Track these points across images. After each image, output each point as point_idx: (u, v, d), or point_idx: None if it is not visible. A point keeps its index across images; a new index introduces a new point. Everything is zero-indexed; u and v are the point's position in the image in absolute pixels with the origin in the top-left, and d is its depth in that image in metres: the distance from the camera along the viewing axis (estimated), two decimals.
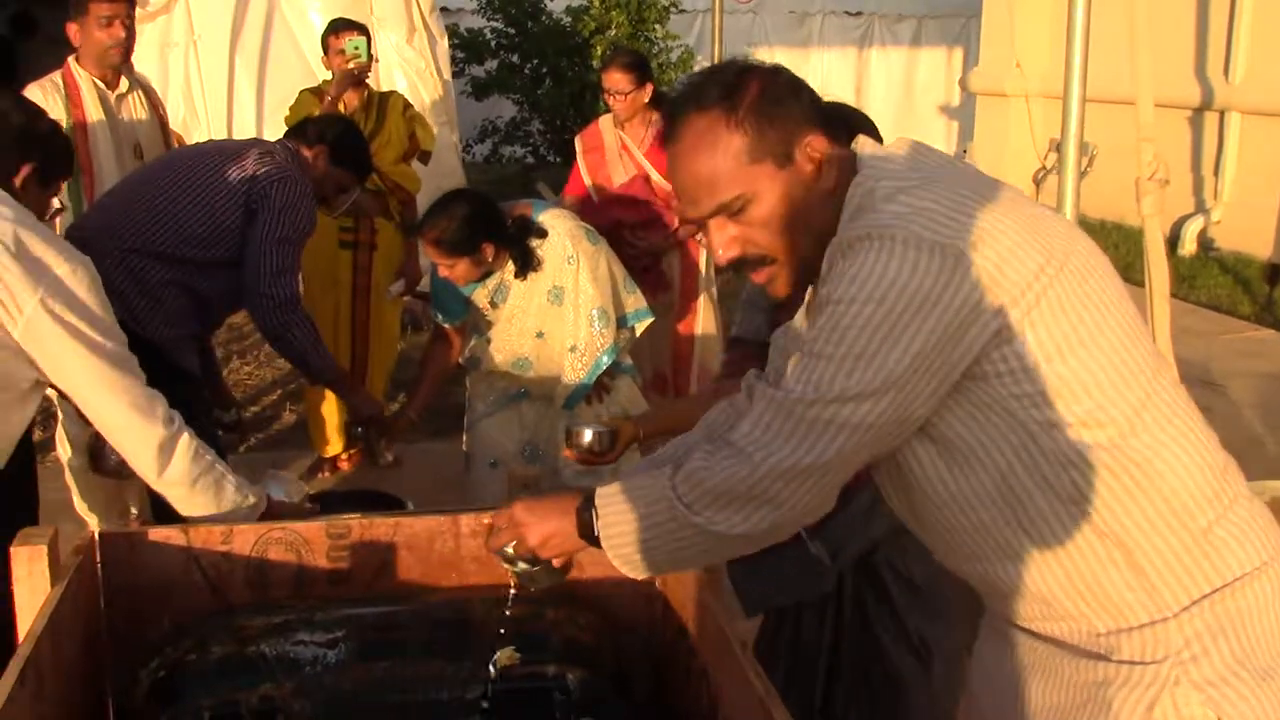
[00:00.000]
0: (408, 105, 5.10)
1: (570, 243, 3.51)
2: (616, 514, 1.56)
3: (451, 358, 3.81)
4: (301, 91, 4.94)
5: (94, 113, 4.03)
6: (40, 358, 2.23)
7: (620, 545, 1.56)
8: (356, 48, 4.67)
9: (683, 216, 1.62)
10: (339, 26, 4.80)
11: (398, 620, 1.99)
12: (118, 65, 4.06)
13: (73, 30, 4.01)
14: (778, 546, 2.28)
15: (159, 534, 2.09)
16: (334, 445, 5.00)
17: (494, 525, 1.76)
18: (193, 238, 3.23)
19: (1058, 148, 10.25)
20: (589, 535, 1.60)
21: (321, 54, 4.90)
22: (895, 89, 16.06)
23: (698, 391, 2.72)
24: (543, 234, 3.51)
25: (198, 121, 6.93)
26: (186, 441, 2.33)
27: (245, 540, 2.11)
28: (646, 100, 4.74)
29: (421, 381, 3.82)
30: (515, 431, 3.70)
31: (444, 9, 13.01)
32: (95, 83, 4.04)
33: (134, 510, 3.81)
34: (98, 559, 2.03)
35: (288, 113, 4.93)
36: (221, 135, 6.86)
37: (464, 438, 3.85)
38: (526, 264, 3.47)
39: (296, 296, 3.34)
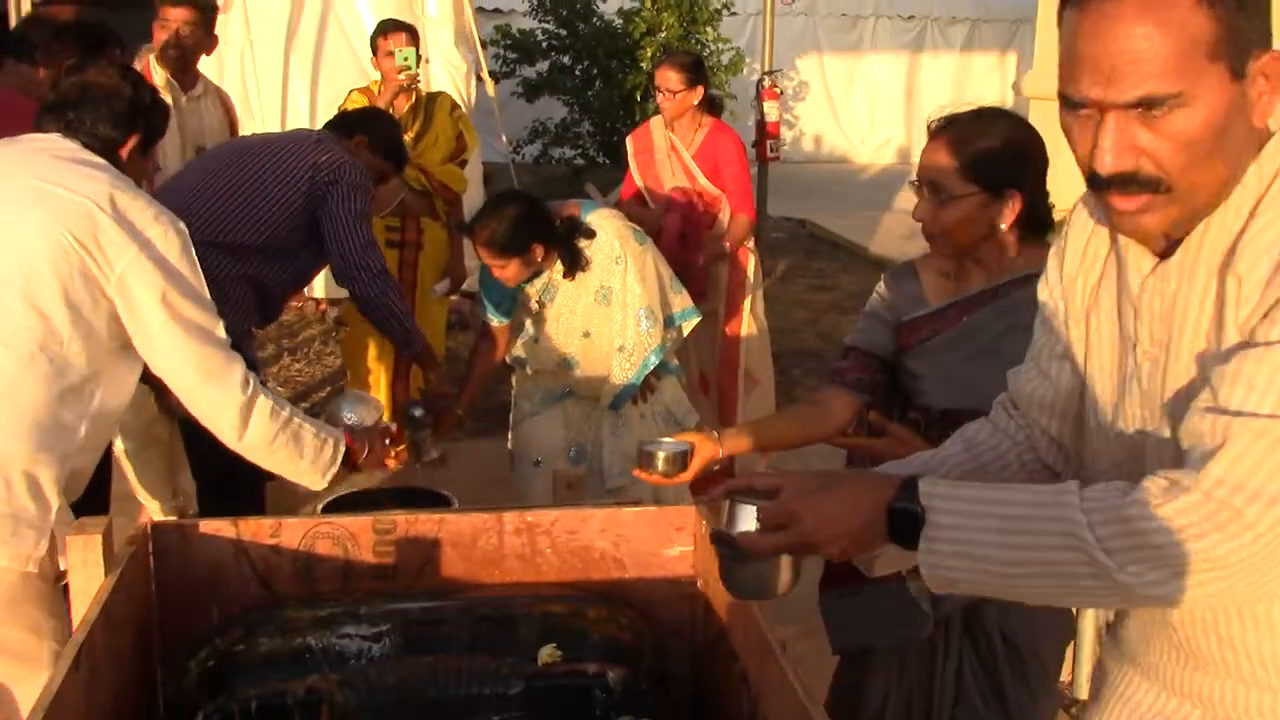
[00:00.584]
0: (455, 106, 5.14)
1: (618, 243, 3.54)
2: (963, 527, 1.32)
3: (498, 356, 3.84)
4: (351, 91, 5.00)
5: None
6: (126, 317, 2.29)
7: (958, 564, 1.33)
8: (406, 59, 4.70)
9: (1077, 93, 1.26)
10: (388, 28, 4.84)
11: (441, 615, 2.00)
12: (174, 67, 4.16)
13: (155, 28, 4.18)
14: (878, 579, 2.29)
15: (210, 526, 2.13)
16: None
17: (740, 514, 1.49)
18: (258, 225, 3.31)
19: None
20: (902, 535, 1.37)
21: (371, 54, 4.94)
22: (947, 93, 15.94)
23: (790, 408, 2.66)
24: (591, 234, 3.53)
25: (252, 120, 7.00)
26: (263, 404, 2.40)
27: (293, 534, 2.14)
28: (697, 102, 4.73)
29: (468, 380, 3.85)
30: (560, 430, 3.73)
31: (496, 10, 13.15)
32: (171, 82, 4.17)
33: (184, 496, 3.89)
34: (150, 549, 2.07)
35: (338, 112, 4.98)
36: (275, 130, 6.94)
37: (509, 436, 3.88)
38: (575, 264, 3.50)
39: (385, 268, 3.47)
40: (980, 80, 15.89)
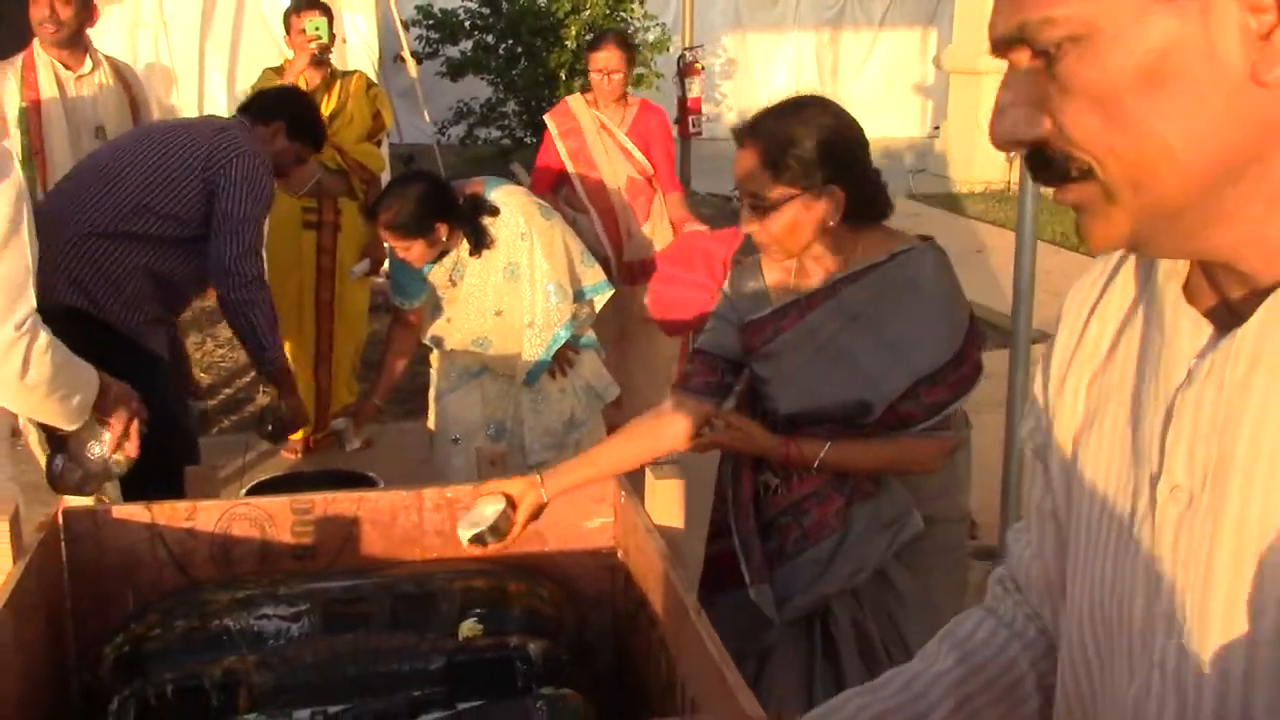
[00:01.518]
0: (371, 84, 5.10)
1: (523, 218, 3.54)
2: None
3: (413, 341, 3.83)
4: (264, 70, 4.95)
5: (49, 93, 4.05)
6: None
7: None
8: (317, 28, 4.67)
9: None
10: (301, 6, 4.80)
11: (361, 594, 2.00)
12: (54, 44, 4.07)
13: (30, 7, 4.02)
14: (723, 586, 2.32)
15: (123, 511, 2.10)
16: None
17: None
18: (153, 214, 3.23)
19: None
20: None
21: (285, 34, 4.88)
22: (869, 68, 16.08)
23: (631, 425, 2.39)
24: (495, 211, 3.53)
25: (168, 103, 6.90)
26: (44, 341, 2.28)
27: (209, 517, 2.12)
28: (629, 84, 4.73)
29: (383, 367, 3.83)
30: (478, 408, 3.72)
31: None
32: (54, 64, 4.07)
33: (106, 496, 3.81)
34: (61, 536, 2.04)
35: (250, 91, 4.92)
36: (192, 114, 6.83)
37: (428, 415, 3.87)
38: (480, 241, 3.49)
39: (262, 276, 3.36)
40: (902, 55, 16.02)
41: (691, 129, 7.08)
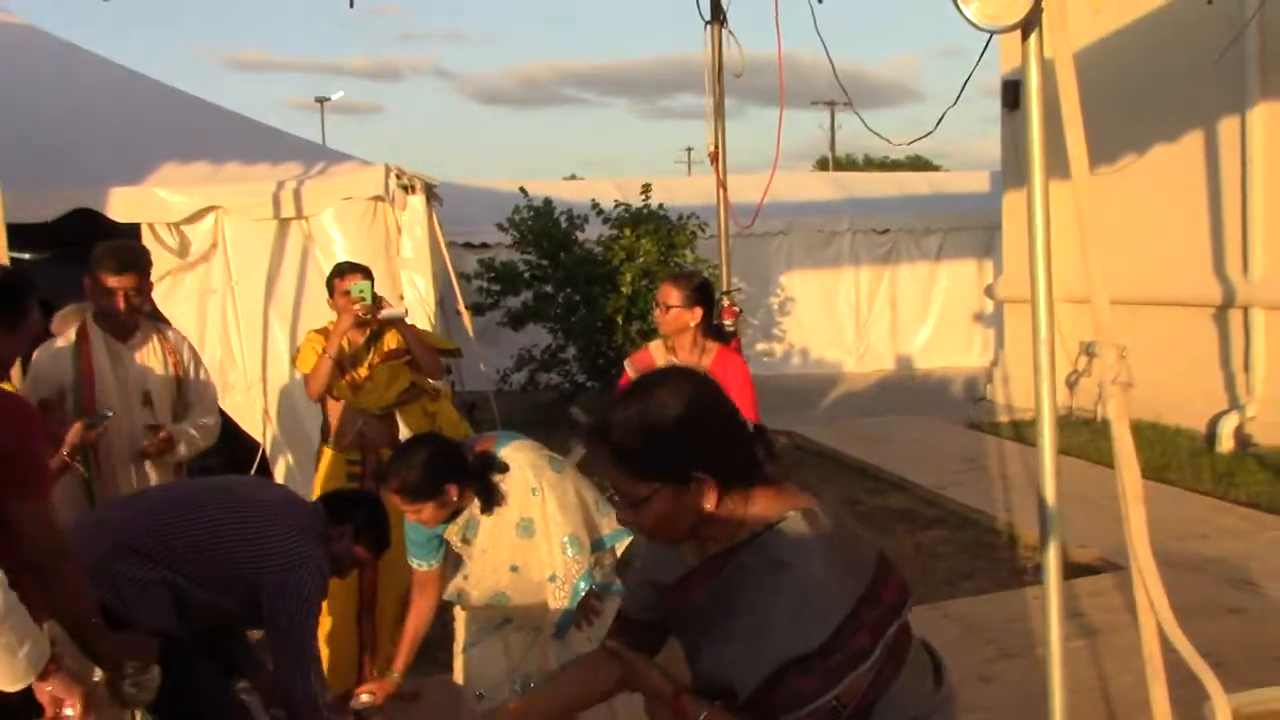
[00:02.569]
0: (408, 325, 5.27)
1: (532, 474, 3.57)
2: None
3: (432, 602, 3.80)
4: (309, 332, 5.13)
5: (103, 363, 4.28)
6: None
7: None
8: (361, 290, 4.81)
9: None
10: (344, 270, 5.00)
11: None
12: (122, 327, 4.34)
13: (87, 284, 4.25)
14: None
15: None
16: (344, 681, 4.96)
17: None
18: (196, 567, 3.44)
19: (1088, 350, 10.38)
20: None
21: (327, 296, 5.08)
22: (926, 300, 16.33)
23: (567, 669, 2.47)
24: (504, 468, 3.56)
25: (234, 362, 7.18)
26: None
27: None
28: (694, 323, 4.65)
29: (406, 637, 3.80)
30: (502, 660, 3.69)
31: (484, 244, 13.61)
32: (106, 338, 4.31)
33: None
34: None
35: (297, 354, 5.14)
36: (256, 373, 7.10)
37: (453, 669, 3.84)
38: (490, 500, 3.53)
39: (314, 656, 3.60)
40: (956, 286, 16.27)
41: None
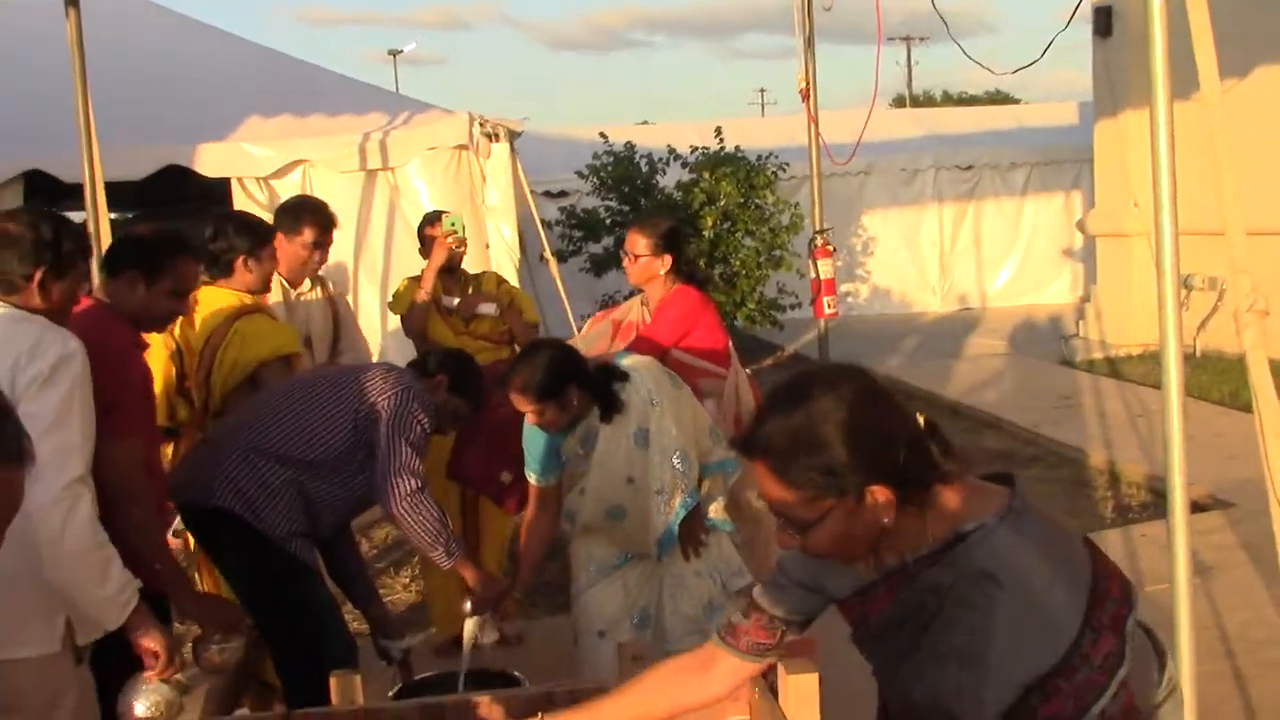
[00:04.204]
0: (502, 280, 5.28)
1: (653, 385, 3.57)
2: None
3: (550, 524, 3.82)
4: (404, 280, 5.15)
5: (278, 304, 4.51)
6: None
7: None
8: (453, 223, 4.87)
9: None
10: (434, 217, 5.04)
11: None
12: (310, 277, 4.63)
13: (279, 238, 4.43)
14: None
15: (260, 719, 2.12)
16: (450, 625, 5.00)
17: None
18: (306, 440, 3.48)
19: (1186, 283, 10.10)
20: None
21: (418, 245, 5.10)
22: (1014, 237, 16.01)
23: (659, 668, 2.12)
24: (625, 377, 3.56)
25: None
26: (87, 511, 2.58)
27: None
28: (664, 270, 4.42)
29: (524, 556, 3.83)
30: (620, 598, 3.69)
31: (562, 192, 13.55)
32: (281, 281, 4.52)
33: None
34: None
35: (392, 300, 5.17)
36: None
37: (571, 611, 3.84)
38: (610, 406, 3.53)
39: (420, 490, 3.45)
40: (1045, 221, 15.92)
41: (827, 309, 7.08)
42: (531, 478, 3.78)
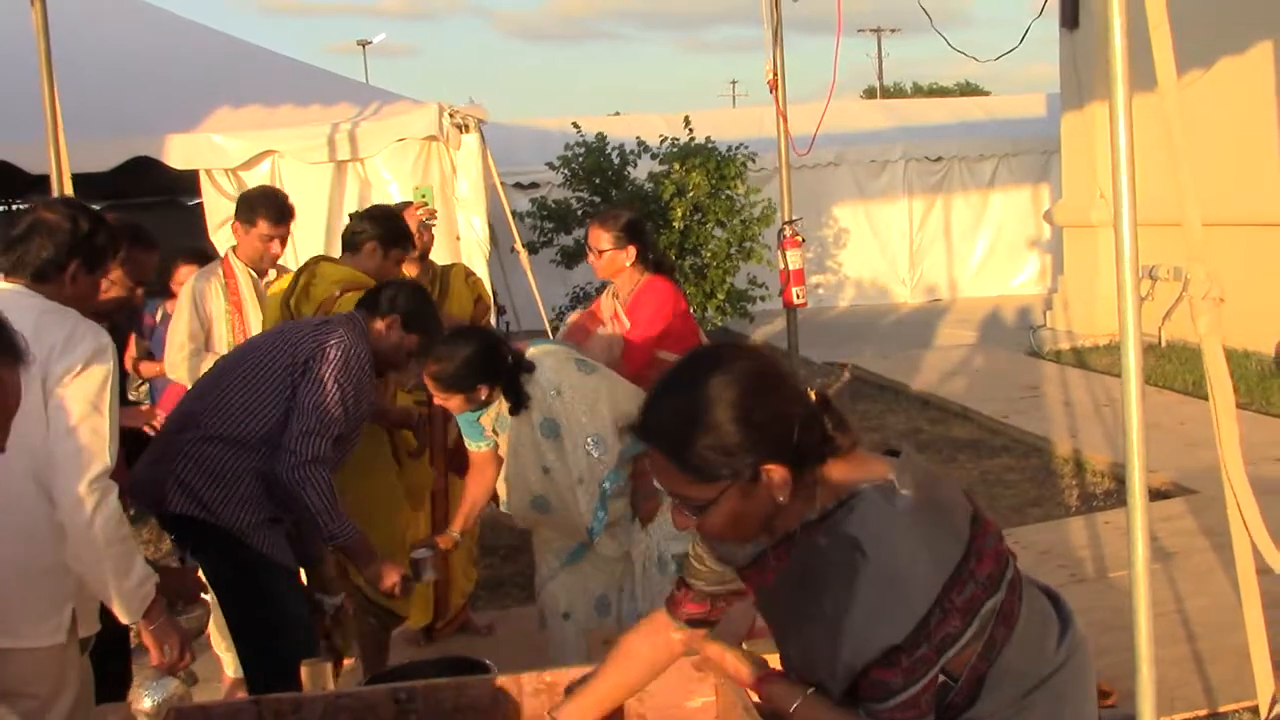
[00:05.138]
0: (469, 273, 5.27)
1: (554, 375, 3.62)
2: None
3: (488, 480, 3.88)
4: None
5: (248, 298, 4.71)
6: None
7: None
8: (424, 195, 4.98)
9: None
10: (403, 207, 5.02)
11: None
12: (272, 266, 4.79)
13: (236, 228, 4.75)
14: None
15: (231, 707, 2.14)
16: (421, 616, 5.02)
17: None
18: (256, 415, 3.39)
19: (1151, 274, 10.19)
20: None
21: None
22: (982, 229, 16.12)
23: (623, 647, 2.17)
24: (530, 368, 3.62)
25: None
26: (114, 507, 2.61)
27: (314, 710, 2.14)
28: (630, 262, 4.45)
29: (462, 503, 3.93)
30: (581, 585, 3.74)
31: (533, 184, 13.55)
32: (249, 273, 4.73)
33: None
34: None
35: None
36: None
37: (538, 598, 3.89)
38: (519, 402, 3.61)
39: (319, 458, 3.36)
40: (1013, 212, 16.04)
41: (796, 299, 7.12)
42: (468, 444, 3.87)
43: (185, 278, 6.50)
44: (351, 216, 4.52)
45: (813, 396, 1.80)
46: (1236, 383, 8.47)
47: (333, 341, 3.44)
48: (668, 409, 1.77)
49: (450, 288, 5.03)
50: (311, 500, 3.34)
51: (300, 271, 4.41)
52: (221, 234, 6.81)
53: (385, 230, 4.35)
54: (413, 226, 4.82)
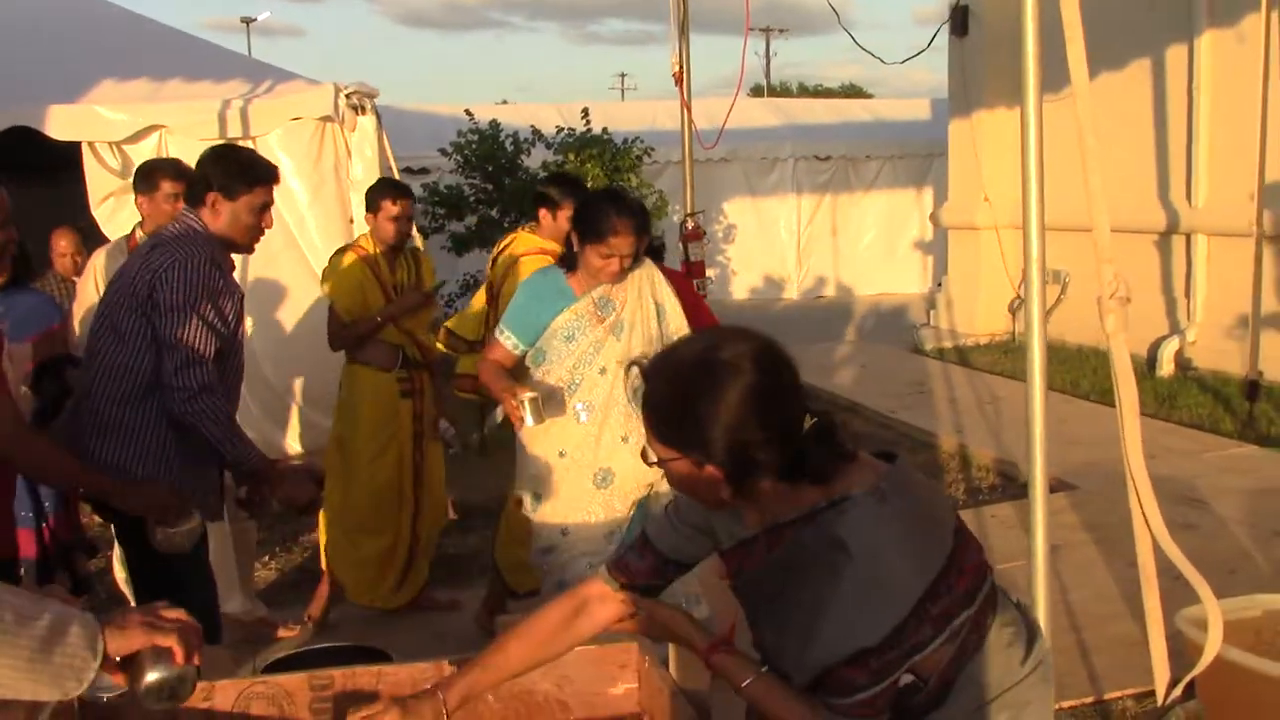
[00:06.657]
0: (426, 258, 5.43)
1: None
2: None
3: (503, 370, 3.86)
4: (345, 250, 5.22)
5: None
6: None
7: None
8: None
9: None
10: (399, 193, 5.05)
11: None
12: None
13: (140, 201, 4.58)
14: None
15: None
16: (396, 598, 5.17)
17: None
18: (122, 370, 3.28)
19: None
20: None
21: (366, 212, 5.10)
22: (867, 228, 16.43)
23: (541, 613, 2.10)
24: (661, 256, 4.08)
25: None
26: None
27: (227, 697, 2.08)
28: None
29: (491, 385, 3.86)
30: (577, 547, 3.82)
31: (424, 169, 13.37)
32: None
33: None
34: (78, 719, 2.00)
35: (328, 285, 5.17)
36: None
37: (543, 569, 3.96)
38: (659, 255, 4.12)
39: (205, 385, 3.26)
40: (899, 213, 16.38)
41: (697, 291, 7.17)
42: (507, 340, 3.85)
43: (66, 249, 6.32)
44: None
45: (808, 422, 1.82)
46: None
47: (164, 264, 3.24)
48: (673, 365, 1.84)
49: (420, 268, 5.23)
50: (210, 431, 3.26)
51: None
52: (104, 208, 6.58)
53: (562, 193, 4.93)
54: (395, 233, 4.99)
